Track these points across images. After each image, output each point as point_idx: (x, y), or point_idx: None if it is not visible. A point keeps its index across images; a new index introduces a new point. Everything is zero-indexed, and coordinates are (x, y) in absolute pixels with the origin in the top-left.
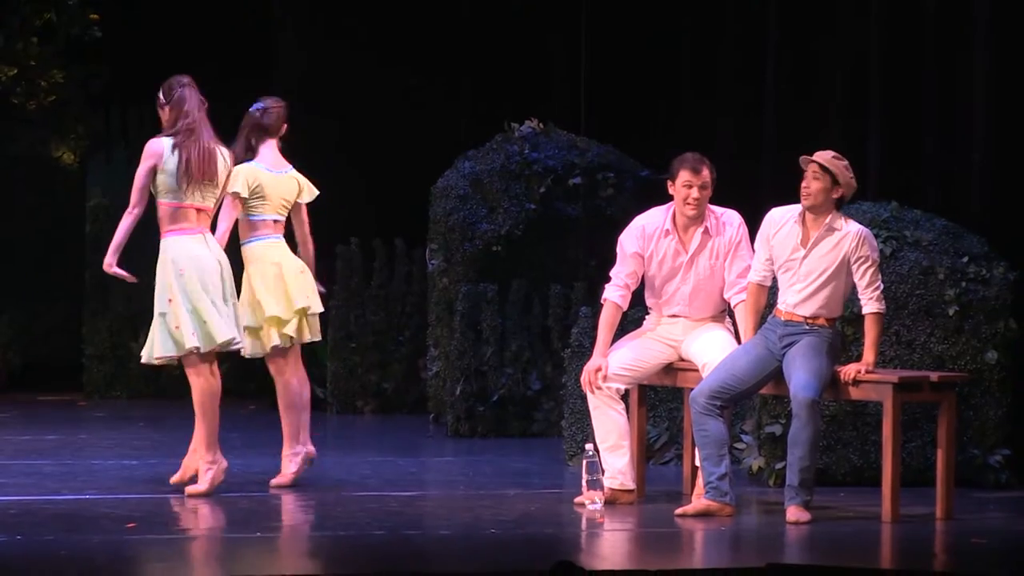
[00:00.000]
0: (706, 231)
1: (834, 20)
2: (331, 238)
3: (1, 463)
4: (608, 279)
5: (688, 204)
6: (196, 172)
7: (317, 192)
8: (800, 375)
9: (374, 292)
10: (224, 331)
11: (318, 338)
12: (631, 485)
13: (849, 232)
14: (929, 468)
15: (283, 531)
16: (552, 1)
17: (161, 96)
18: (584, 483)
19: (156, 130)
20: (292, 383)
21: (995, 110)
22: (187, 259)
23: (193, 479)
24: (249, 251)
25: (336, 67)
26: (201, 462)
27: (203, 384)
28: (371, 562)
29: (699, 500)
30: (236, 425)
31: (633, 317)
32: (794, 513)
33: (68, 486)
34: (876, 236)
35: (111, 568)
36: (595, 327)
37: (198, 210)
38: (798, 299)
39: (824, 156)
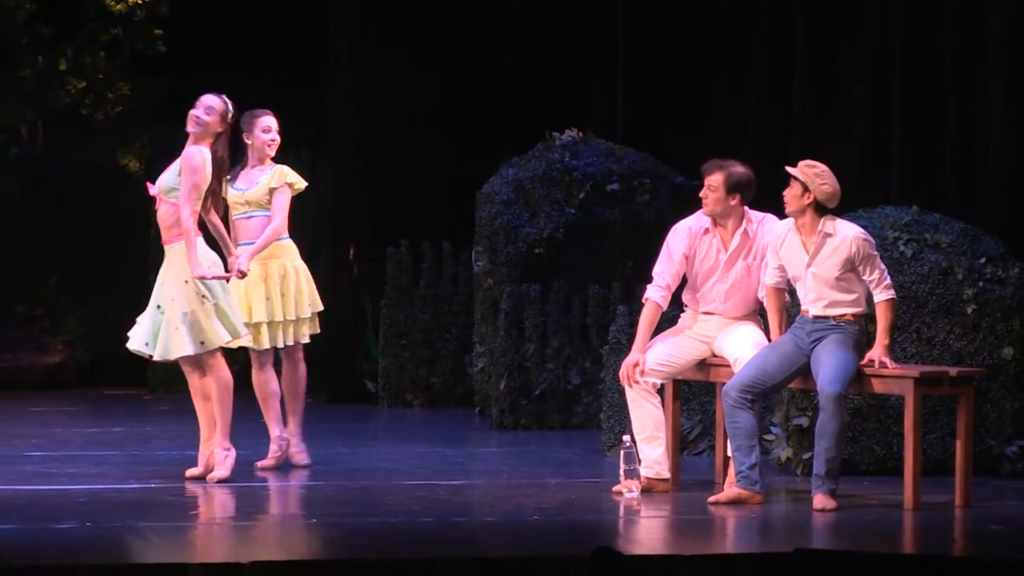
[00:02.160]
0: (745, 232)
1: (858, 32)
2: (382, 241)
3: (71, 454)
4: (649, 279)
5: (703, 204)
6: (214, 180)
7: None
8: (827, 370)
9: (422, 292)
10: (241, 327)
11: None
12: (666, 474)
13: (845, 236)
14: (948, 458)
15: (339, 518)
16: (589, 20)
17: (210, 110)
18: (622, 472)
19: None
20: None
21: (1011, 120)
22: (205, 260)
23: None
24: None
25: (387, 78)
26: (218, 450)
27: (225, 377)
28: (421, 547)
29: (731, 488)
30: None
31: (668, 315)
32: (821, 501)
33: (134, 475)
34: (898, 239)
35: (174, 553)
36: (632, 325)
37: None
38: (817, 305)
39: (800, 165)
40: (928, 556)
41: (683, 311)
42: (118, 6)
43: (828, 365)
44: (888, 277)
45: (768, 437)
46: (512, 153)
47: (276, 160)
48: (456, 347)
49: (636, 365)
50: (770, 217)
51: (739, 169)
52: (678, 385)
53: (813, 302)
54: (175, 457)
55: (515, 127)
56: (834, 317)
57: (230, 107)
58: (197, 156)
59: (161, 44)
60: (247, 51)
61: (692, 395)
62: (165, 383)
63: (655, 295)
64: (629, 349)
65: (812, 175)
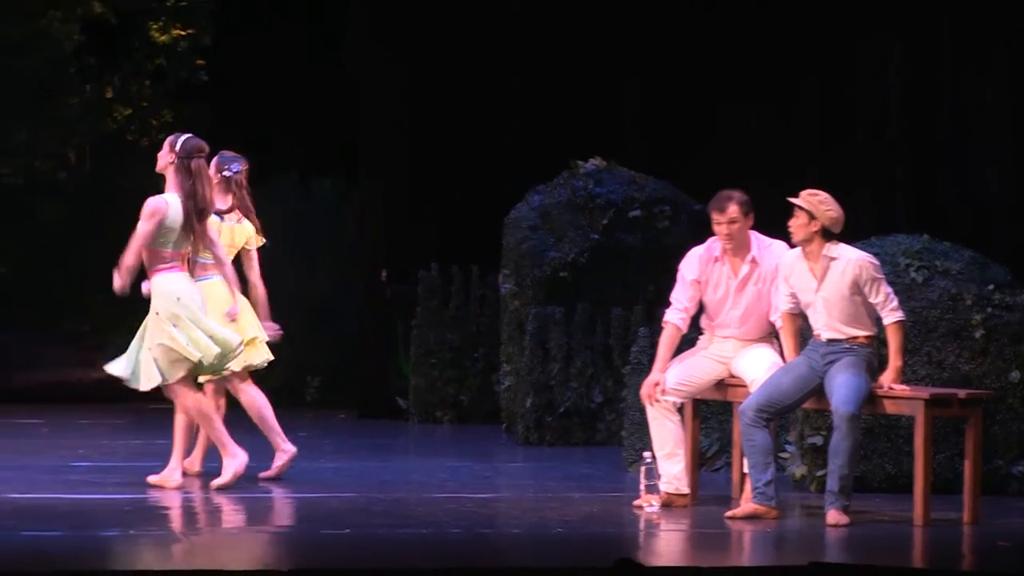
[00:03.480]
0: (753, 260)
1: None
2: (414, 264)
3: (117, 465)
4: (668, 303)
5: (722, 239)
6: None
7: None
8: (841, 391)
9: (452, 313)
10: (235, 339)
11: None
12: (685, 490)
13: (850, 260)
14: (957, 477)
15: (372, 528)
16: (613, 54)
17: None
18: (642, 487)
19: (255, 166)
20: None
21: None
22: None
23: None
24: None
25: (419, 107)
26: (226, 459)
27: (197, 397)
28: (450, 557)
29: (747, 504)
30: (327, 433)
31: (688, 337)
32: (834, 516)
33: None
34: (909, 265)
35: (215, 559)
36: (652, 346)
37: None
38: (829, 329)
39: (802, 195)
40: (938, 571)
41: (701, 334)
42: (162, 37)
43: (842, 386)
44: (895, 299)
45: (783, 455)
46: (538, 181)
47: (313, 184)
48: (484, 366)
49: (657, 384)
50: (779, 243)
51: (740, 193)
52: (697, 404)
53: (824, 327)
54: (215, 468)
55: (541, 156)
56: (847, 340)
57: (179, 144)
58: (153, 202)
59: (203, 73)
60: (284, 80)
61: (711, 414)
62: None
63: (674, 318)
64: (650, 369)
65: (816, 203)
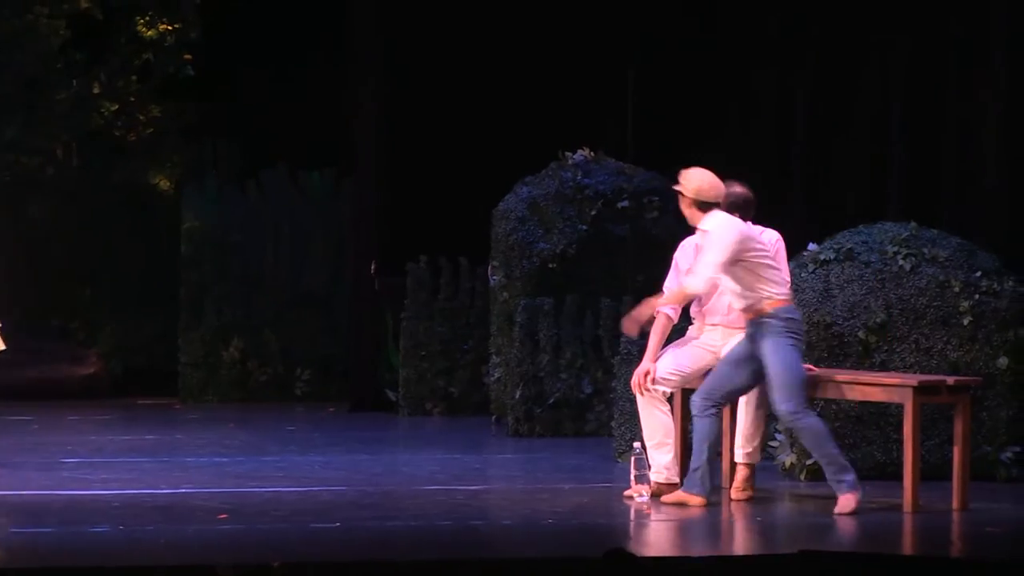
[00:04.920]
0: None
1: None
2: (403, 256)
3: (105, 460)
4: (660, 292)
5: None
6: None
7: None
8: (772, 394)
9: (441, 305)
10: None
11: None
12: (675, 479)
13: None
14: (946, 464)
15: (362, 521)
16: (604, 44)
17: None
18: (632, 478)
19: (245, 160)
20: None
21: (1006, 143)
22: None
23: None
24: None
25: (409, 100)
26: None
27: None
28: (441, 549)
29: (679, 491)
30: (317, 426)
31: (678, 327)
32: (844, 503)
33: (165, 481)
34: (896, 253)
35: (205, 555)
36: (642, 337)
37: None
38: (734, 298)
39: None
40: (927, 557)
41: (691, 323)
42: (149, 32)
43: (772, 389)
44: (698, 274)
45: (772, 444)
46: (526, 172)
47: (302, 177)
48: (473, 358)
49: (647, 374)
50: (770, 231)
51: (736, 189)
52: (687, 394)
53: (731, 297)
54: (204, 463)
55: (529, 147)
56: (754, 308)
57: None
58: None
59: (190, 68)
60: (272, 74)
61: None
62: (195, 393)
63: (665, 308)
64: (639, 359)
65: (681, 178)
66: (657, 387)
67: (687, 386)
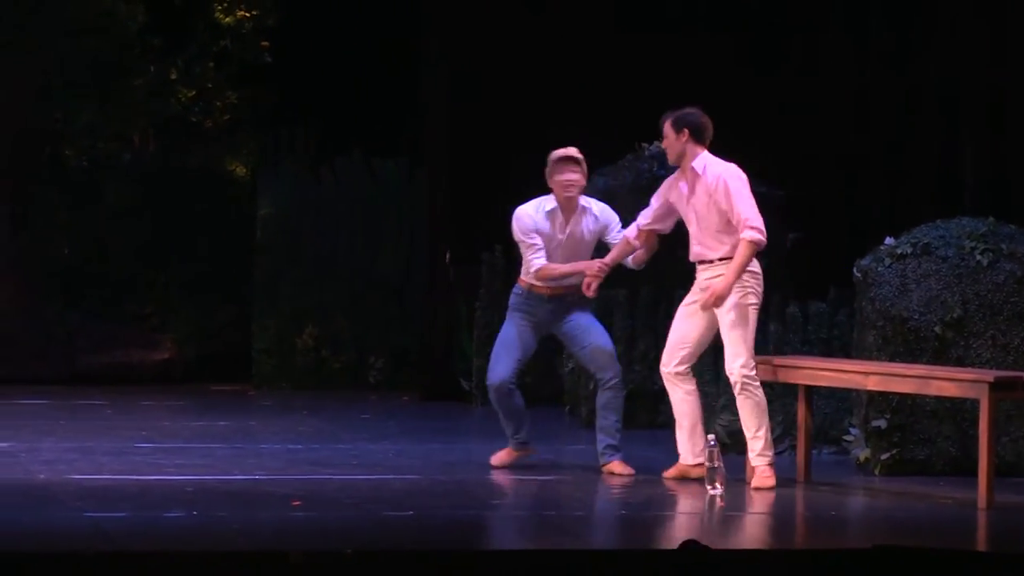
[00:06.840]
0: (693, 170)
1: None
2: (478, 246)
3: (179, 446)
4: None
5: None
6: None
7: None
8: (726, 350)
9: None
10: None
11: None
12: (697, 460)
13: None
14: (1021, 460)
15: (435, 510)
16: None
17: None
18: (705, 471)
19: (320, 147)
20: None
21: None
22: None
23: None
24: None
25: (483, 87)
26: None
27: None
28: (514, 539)
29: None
30: (391, 414)
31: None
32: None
33: (239, 467)
34: (974, 248)
35: (277, 541)
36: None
37: None
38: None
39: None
40: (1002, 554)
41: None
42: (227, 19)
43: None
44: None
45: (847, 438)
46: (602, 163)
47: (376, 165)
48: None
49: (599, 268)
50: (729, 167)
51: (688, 110)
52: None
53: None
54: (278, 450)
55: (603, 138)
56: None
57: None
58: None
59: (267, 55)
60: (349, 63)
61: (775, 396)
62: (269, 379)
63: (628, 231)
64: (715, 355)
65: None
66: (677, 368)
67: (703, 350)
